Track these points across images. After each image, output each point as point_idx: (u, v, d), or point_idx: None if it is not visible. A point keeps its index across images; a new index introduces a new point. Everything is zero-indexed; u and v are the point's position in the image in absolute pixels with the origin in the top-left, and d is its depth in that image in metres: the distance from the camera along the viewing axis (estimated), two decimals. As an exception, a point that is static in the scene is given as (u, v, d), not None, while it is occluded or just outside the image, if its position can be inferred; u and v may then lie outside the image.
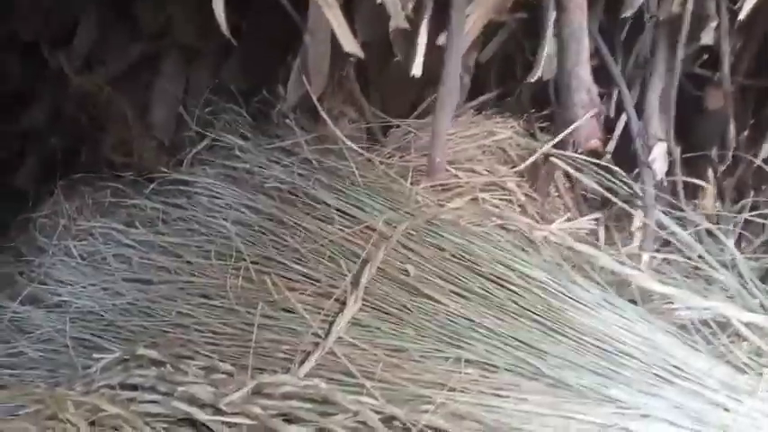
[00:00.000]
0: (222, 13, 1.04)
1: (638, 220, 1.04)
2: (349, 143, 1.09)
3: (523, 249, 0.97)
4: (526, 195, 1.07)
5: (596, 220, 1.00)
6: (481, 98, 1.22)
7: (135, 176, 1.38)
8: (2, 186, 2.32)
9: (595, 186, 1.03)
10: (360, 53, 1.06)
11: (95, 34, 1.77)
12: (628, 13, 1.06)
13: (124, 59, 1.77)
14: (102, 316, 1.10)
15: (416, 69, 1.01)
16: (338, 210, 1.07)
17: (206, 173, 1.19)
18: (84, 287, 1.15)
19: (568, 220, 1.01)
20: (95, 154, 1.93)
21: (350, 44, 1.03)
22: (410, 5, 0.97)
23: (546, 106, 1.26)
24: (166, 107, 1.75)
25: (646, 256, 0.95)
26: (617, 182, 1.05)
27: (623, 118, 1.13)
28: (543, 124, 1.20)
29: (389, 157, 1.14)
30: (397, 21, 0.99)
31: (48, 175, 2.25)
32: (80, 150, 2.04)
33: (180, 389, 0.94)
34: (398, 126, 1.21)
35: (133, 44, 1.75)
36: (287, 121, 1.22)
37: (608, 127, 1.17)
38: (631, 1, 1.02)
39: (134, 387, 1.01)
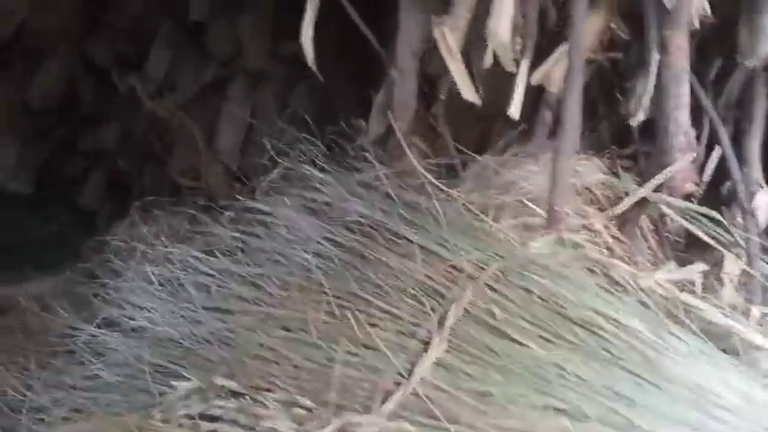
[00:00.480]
0: (311, 46, 1.06)
1: (730, 266, 1.01)
2: (431, 179, 1.09)
3: (612, 293, 0.95)
4: (613, 237, 1.05)
5: (701, 271, 0.98)
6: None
7: (208, 203, 1.40)
8: (66, 204, 2.40)
9: (700, 234, 1.00)
10: (479, 102, 1.05)
11: (168, 59, 1.82)
12: (751, 64, 1.03)
13: (195, 84, 1.81)
14: (180, 343, 1.10)
15: (515, 111, 1.00)
16: (420, 246, 1.06)
17: (284, 203, 1.20)
18: (162, 313, 1.16)
19: (667, 268, 0.98)
20: (162, 177, 1.98)
21: (470, 93, 1.03)
22: (518, 47, 0.96)
23: (626, 144, 1.25)
24: (234, 133, 1.78)
25: (756, 311, 0.92)
26: (710, 227, 1.03)
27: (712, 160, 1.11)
28: (625, 163, 1.19)
29: (469, 194, 1.14)
30: (507, 65, 0.98)
31: (112, 195, 2.33)
32: (145, 172, 2.10)
33: (263, 423, 0.94)
34: (476, 160, 1.21)
35: (204, 69, 1.79)
36: (366, 154, 1.22)
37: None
38: (754, 50, 0.99)
39: (212, 418, 1.03)
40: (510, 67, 1.03)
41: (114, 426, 0.93)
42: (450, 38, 1.01)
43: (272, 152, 1.39)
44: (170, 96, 1.82)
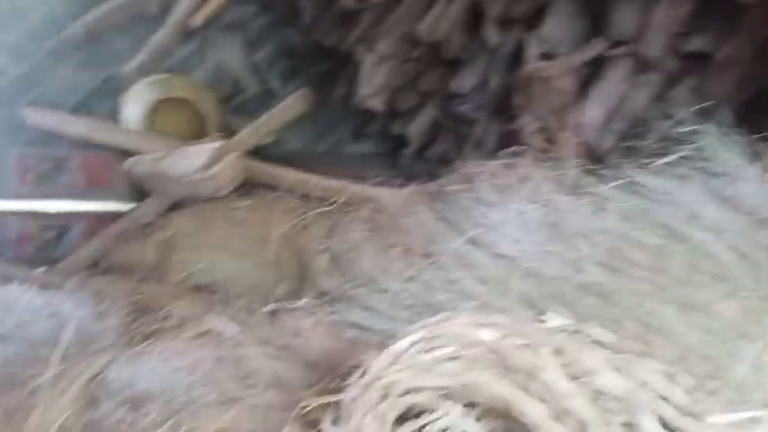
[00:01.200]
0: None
1: None
2: None
3: None
4: None
5: None
6: None
7: (587, 165, 1.41)
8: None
9: None
10: None
11: (564, 25, 1.85)
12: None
13: (580, 56, 1.83)
14: (553, 283, 1.14)
15: None
16: None
17: (688, 186, 1.16)
18: (538, 251, 1.20)
19: None
20: (497, 132, 2.05)
21: None
22: None
23: None
24: (602, 110, 1.78)
25: None
26: None
27: None
28: None
29: None
30: None
31: (434, 139, 2.48)
32: (481, 124, 2.19)
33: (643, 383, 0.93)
34: None
35: (594, 42, 1.80)
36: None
37: None
38: None
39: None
40: None
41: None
42: None
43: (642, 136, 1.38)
44: (556, 60, 1.86)
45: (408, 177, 1.96)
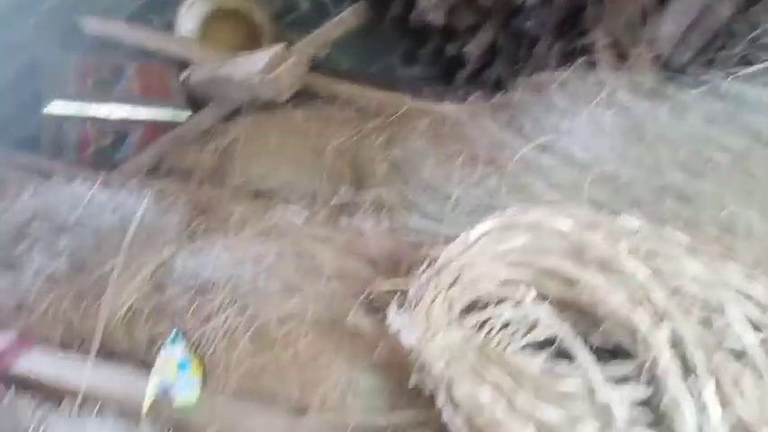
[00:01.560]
0: None
1: None
2: None
3: None
4: None
5: None
6: None
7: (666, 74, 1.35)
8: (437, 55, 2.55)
9: None
10: None
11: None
12: None
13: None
14: (629, 187, 1.11)
15: None
16: None
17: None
18: (613, 154, 1.16)
19: None
20: (570, 52, 1.97)
21: None
22: None
23: None
24: (681, 23, 1.69)
25: None
26: None
27: None
28: None
29: None
30: None
31: (491, 62, 2.41)
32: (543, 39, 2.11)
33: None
34: None
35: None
36: None
37: None
38: None
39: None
40: None
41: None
42: None
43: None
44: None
45: (464, 99, 1.93)
